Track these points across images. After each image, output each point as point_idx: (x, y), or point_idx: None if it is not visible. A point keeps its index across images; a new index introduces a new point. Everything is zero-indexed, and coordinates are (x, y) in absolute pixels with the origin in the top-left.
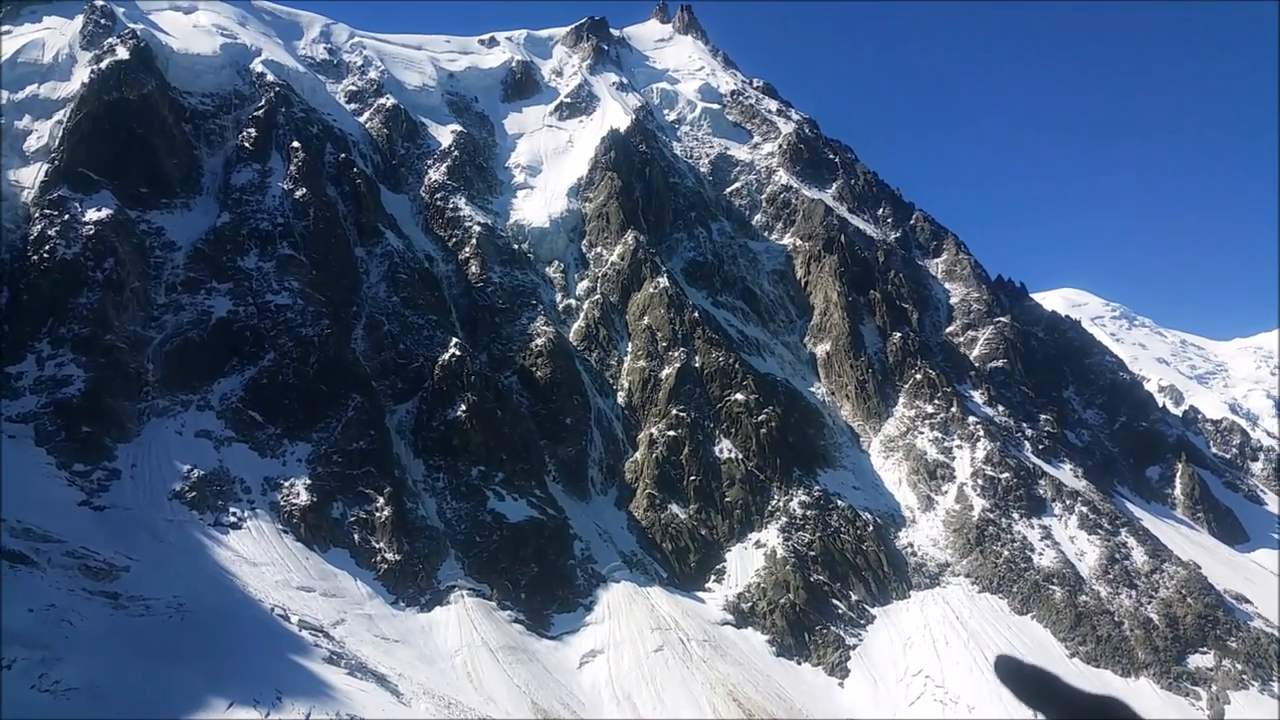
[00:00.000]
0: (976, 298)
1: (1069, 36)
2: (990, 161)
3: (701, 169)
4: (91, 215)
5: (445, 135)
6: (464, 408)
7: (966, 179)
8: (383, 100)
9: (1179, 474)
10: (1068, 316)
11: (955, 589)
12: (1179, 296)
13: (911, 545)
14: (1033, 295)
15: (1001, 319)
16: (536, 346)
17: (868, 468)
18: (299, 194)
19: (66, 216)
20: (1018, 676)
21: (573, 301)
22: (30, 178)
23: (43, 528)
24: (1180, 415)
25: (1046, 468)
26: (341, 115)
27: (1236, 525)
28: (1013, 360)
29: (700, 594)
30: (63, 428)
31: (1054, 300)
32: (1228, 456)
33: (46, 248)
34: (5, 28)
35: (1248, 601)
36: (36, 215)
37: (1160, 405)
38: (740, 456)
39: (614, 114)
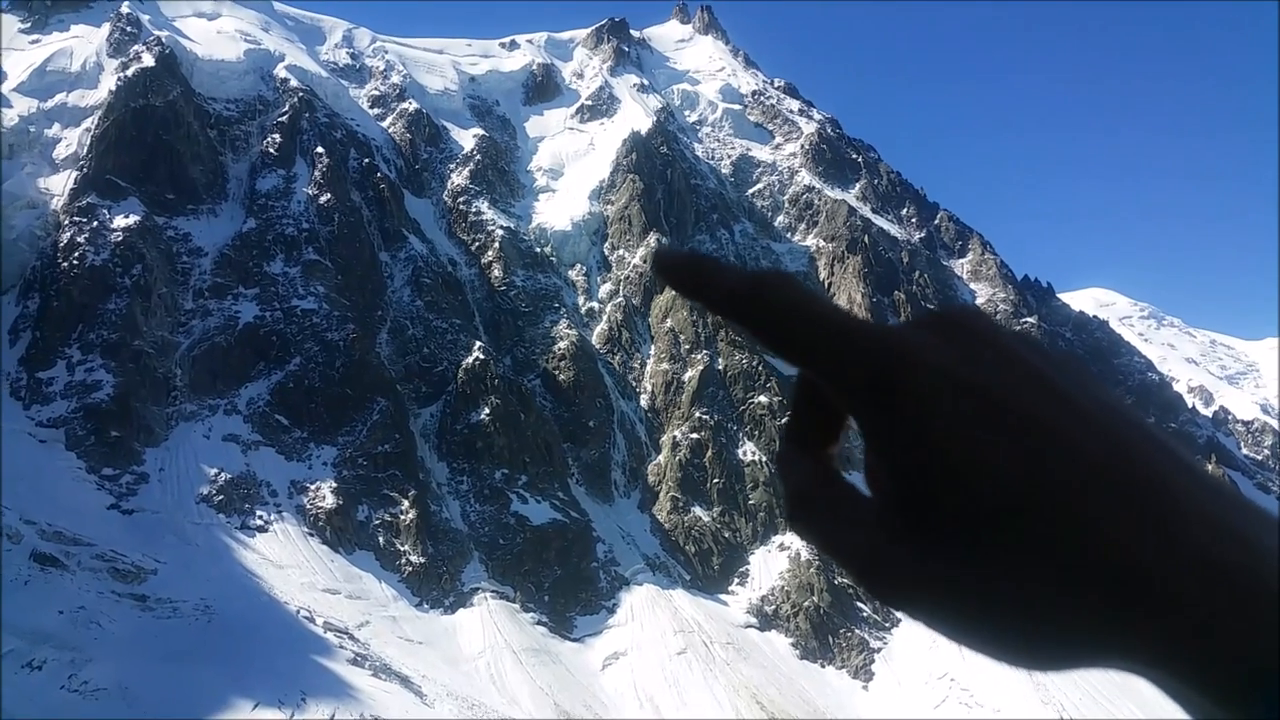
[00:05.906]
0: (1003, 298)
1: (1091, 35)
2: (1016, 160)
3: (723, 170)
4: (119, 222)
5: (467, 139)
6: (488, 411)
7: (992, 178)
8: (405, 105)
9: None
10: (1095, 317)
11: None
12: (1209, 296)
13: None
14: (1060, 295)
15: (1028, 319)
16: (559, 349)
17: None
18: (323, 199)
19: (95, 223)
20: (668, 265)
21: (595, 304)
22: (59, 185)
23: (72, 531)
24: (1210, 416)
25: None
26: (364, 120)
27: None
28: None
29: (723, 597)
30: (92, 432)
31: (1081, 300)
32: (1259, 458)
33: (76, 254)
34: (34, 37)
35: None
36: (66, 222)
37: (1190, 406)
38: (764, 459)
39: (635, 116)
